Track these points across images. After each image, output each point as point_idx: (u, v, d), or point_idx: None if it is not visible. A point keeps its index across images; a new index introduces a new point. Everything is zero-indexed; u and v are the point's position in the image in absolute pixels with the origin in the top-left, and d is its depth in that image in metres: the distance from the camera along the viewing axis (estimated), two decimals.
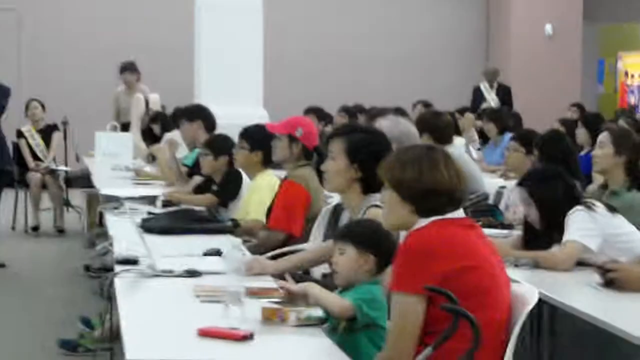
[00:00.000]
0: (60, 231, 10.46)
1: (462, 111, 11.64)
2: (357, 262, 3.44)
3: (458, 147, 6.71)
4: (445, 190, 3.15)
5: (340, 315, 3.34)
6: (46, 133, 10.87)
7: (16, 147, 10.66)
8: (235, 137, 6.24)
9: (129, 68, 11.59)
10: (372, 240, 3.45)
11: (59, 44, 15.20)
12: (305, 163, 5.50)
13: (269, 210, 5.53)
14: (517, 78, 15.18)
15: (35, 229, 10.45)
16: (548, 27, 15.68)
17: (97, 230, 9.58)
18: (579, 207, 4.44)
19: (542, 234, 4.53)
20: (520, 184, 4.72)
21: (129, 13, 15.40)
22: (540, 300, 3.28)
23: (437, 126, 6.85)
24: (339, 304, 3.34)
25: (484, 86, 13.84)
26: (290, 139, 5.48)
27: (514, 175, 6.70)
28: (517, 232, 5.05)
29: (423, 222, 3.15)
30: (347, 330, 3.37)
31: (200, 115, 7.40)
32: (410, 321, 3.03)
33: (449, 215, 3.15)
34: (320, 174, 5.41)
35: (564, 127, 9.00)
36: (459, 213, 3.20)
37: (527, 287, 3.29)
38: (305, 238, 5.37)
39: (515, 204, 6.01)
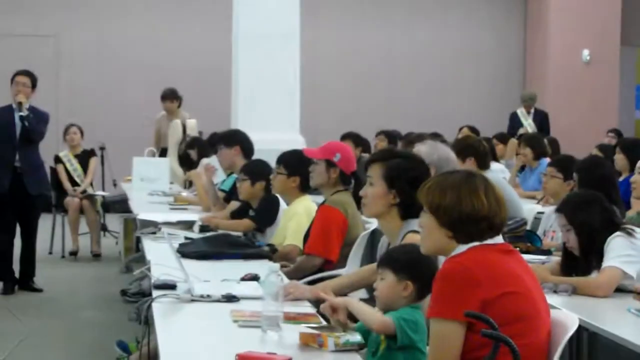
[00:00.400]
0: (97, 256, 10.51)
1: (500, 137, 11.61)
2: (396, 288, 3.43)
3: (496, 172, 6.68)
4: (484, 217, 3.13)
5: (380, 330, 3.33)
6: (83, 158, 10.95)
7: (54, 172, 10.74)
8: (272, 162, 6.26)
9: (169, 96, 11.66)
10: (411, 267, 3.44)
11: (97, 69, 15.34)
12: (342, 188, 5.50)
13: (306, 235, 5.53)
14: (554, 104, 15.12)
15: (74, 253, 10.51)
16: (585, 53, 15.61)
17: (134, 256, 9.63)
18: (618, 233, 4.41)
19: (581, 259, 4.50)
20: (559, 209, 4.69)
21: (167, 39, 15.51)
22: (579, 326, 3.25)
23: (480, 151, 6.85)
24: (380, 318, 3.33)
25: (521, 112, 13.79)
26: (328, 164, 5.49)
27: (552, 201, 6.65)
28: (555, 258, 5.02)
29: (462, 248, 3.13)
30: (386, 350, 3.35)
31: (239, 140, 7.43)
32: (449, 347, 3.01)
33: (488, 241, 3.13)
34: (358, 199, 5.42)
35: (602, 153, 8.93)
36: (498, 239, 3.17)
37: (567, 313, 3.26)
38: (342, 263, 5.37)
39: (553, 229, 5.97)
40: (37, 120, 8.54)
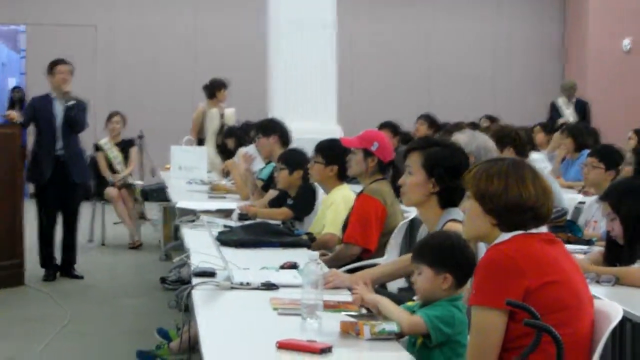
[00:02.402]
0: (137, 247, 10.54)
1: (543, 126, 11.51)
2: (434, 282, 3.40)
3: (536, 161, 6.64)
4: (530, 206, 3.10)
5: (410, 332, 3.31)
6: (124, 147, 11.01)
7: (93, 160, 10.80)
8: (310, 151, 6.26)
9: (225, 84, 11.53)
10: (448, 260, 3.40)
11: (134, 59, 15.43)
12: (381, 177, 5.49)
13: (345, 224, 5.53)
14: (594, 93, 14.99)
15: (138, 245, 10.50)
16: (626, 42, 15.46)
17: (173, 243, 9.68)
18: None
19: (626, 249, 4.45)
20: (603, 198, 4.64)
21: (204, 28, 15.57)
22: (623, 317, 3.21)
23: (518, 140, 6.80)
24: (408, 320, 3.31)
25: (562, 101, 13.69)
26: (366, 153, 5.48)
27: (593, 191, 6.60)
28: (598, 248, 4.97)
29: (505, 236, 3.10)
30: (422, 346, 3.34)
31: (276, 129, 7.44)
32: (491, 336, 2.98)
33: (532, 231, 3.11)
34: (396, 188, 5.41)
35: (638, 137, 8.87)
36: (542, 229, 3.14)
37: (610, 303, 3.22)
38: (381, 252, 5.36)
39: (595, 219, 5.92)
40: (78, 109, 8.60)
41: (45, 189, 8.59)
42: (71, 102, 8.51)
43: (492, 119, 11.29)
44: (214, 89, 11.48)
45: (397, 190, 5.40)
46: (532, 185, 3.13)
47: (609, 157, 6.31)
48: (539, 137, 10.97)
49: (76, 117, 8.52)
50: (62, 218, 8.79)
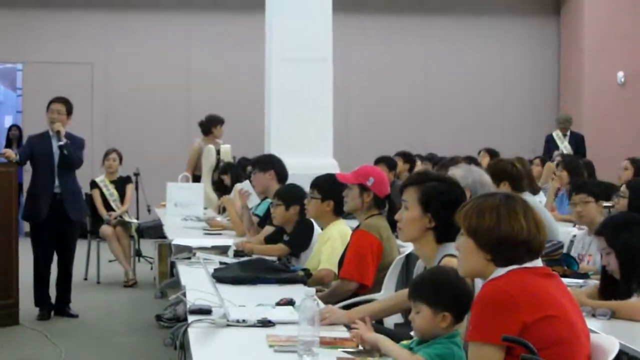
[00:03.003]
0: (132, 285, 10.48)
1: (541, 160, 11.53)
2: (433, 321, 3.38)
3: (532, 195, 6.64)
4: (523, 240, 3.10)
5: None
6: (120, 184, 11.01)
7: (89, 197, 10.79)
8: (306, 187, 6.26)
9: (221, 120, 11.55)
10: (446, 299, 3.37)
11: (131, 96, 15.46)
12: (377, 212, 5.49)
13: (341, 259, 5.52)
14: (590, 126, 15.03)
15: (132, 284, 10.45)
16: (620, 75, 15.53)
17: (168, 281, 9.65)
18: None
19: (622, 283, 4.44)
20: (598, 232, 4.64)
21: (199, 66, 15.62)
22: (619, 351, 3.20)
23: (514, 174, 6.81)
24: (410, 359, 3.29)
25: (557, 134, 13.72)
26: (362, 188, 5.48)
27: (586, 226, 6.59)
28: (593, 282, 4.97)
29: (500, 271, 3.10)
30: None
31: (273, 165, 7.44)
32: None
33: (527, 265, 3.10)
34: (392, 223, 5.40)
35: (634, 167, 8.90)
36: (537, 262, 3.14)
37: (607, 337, 3.21)
38: (377, 287, 5.34)
39: (589, 253, 5.92)
40: (75, 147, 8.62)
41: (41, 227, 8.57)
42: (62, 142, 8.49)
43: (491, 152, 11.31)
44: (210, 125, 11.50)
45: (393, 225, 5.42)
46: (524, 218, 3.13)
47: (596, 188, 6.35)
48: (536, 170, 11.00)
49: (69, 155, 8.52)
50: (58, 256, 8.76)
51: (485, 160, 10.60)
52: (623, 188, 6.41)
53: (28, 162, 8.71)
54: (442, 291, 3.39)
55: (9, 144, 15.56)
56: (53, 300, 8.74)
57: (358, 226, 5.52)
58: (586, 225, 6.28)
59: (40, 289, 8.62)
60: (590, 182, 6.67)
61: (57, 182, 8.57)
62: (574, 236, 6.71)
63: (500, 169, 6.85)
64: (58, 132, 8.53)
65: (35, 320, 8.49)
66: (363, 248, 5.36)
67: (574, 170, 9.57)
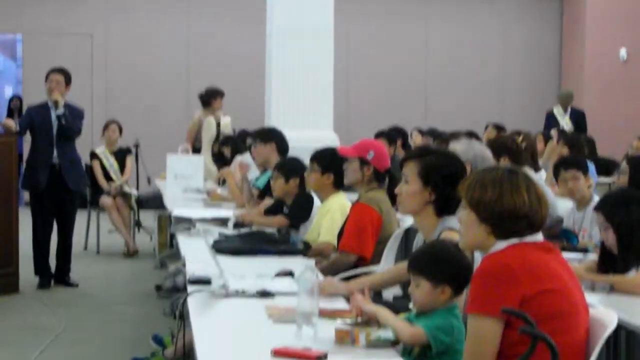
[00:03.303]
0: (133, 254, 10.51)
1: (544, 136, 11.49)
2: (433, 294, 3.39)
3: (533, 171, 6.64)
4: (525, 214, 3.11)
5: (411, 342, 3.30)
6: (120, 155, 11.00)
7: (89, 168, 10.79)
8: (306, 159, 6.26)
9: (220, 93, 11.54)
10: (446, 272, 3.38)
11: (131, 68, 15.43)
12: (376, 186, 5.49)
13: (340, 232, 5.53)
14: (591, 102, 15.01)
15: (134, 253, 10.48)
16: (622, 51, 15.49)
17: (168, 252, 9.67)
18: None
19: (620, 258, 4.46)
20: (596, 208, 4.65)
21: (201, 38, 15.59)
22: (617, 325, 3.21)
23: (514, 149, 6.81)
24: (409, 331, 3.30)
25: (558, 110, 13.70)
26: (362, 162, 5.48)
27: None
28: (593, 256, 4.98)
29: (501, 244, 3.11)
30: (420, 355, 3.33)
31: (274, 137, 7.42)
32: (487, 344, 2.98)
33: (528, 239, 3.11)
34: (392, 196, 5.41)
35: None
36: (538, 237, 3.15)
37: (606, 311, 3.23)
38: (376, 260, 5.35)
39: (584, 227, 5.92)
40: (73, 117, 8.62)
41: (41, 197, 8.59)
42: (60, 111, 8.48)
43: (498, 127, 11.28)
44: (209, 98, 11.49)
45: (393, 199, 5.43)
46: (526, 193, 3.13)
47: (583, 163, 6.38)
48: (539, 146, 10.97)
49: (67, 125, 8.51)
50: (58, 226, 8.78)
51: (492, 134, 10.57)
52: (624, 164, 6.41)
53: (28, 133, 8.71)
54: (442, 264, 3.40)
55: (10, 115, 15.55)
56: (53, 269, 8.76)
57: (358, 199, 5.52)
58: (577, 201, 6.26)
59: (40, 258, 8.66)
60: (579, 158, 6.65)
61: (55, 153, 8.57)
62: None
63: (500, 144, 6.86)
64: (56, 102, 8.52)
65: (35, 289, 8.52)
66: (363, 221, 5.37)
67: (574, 146, 9.55)
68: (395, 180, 5.62)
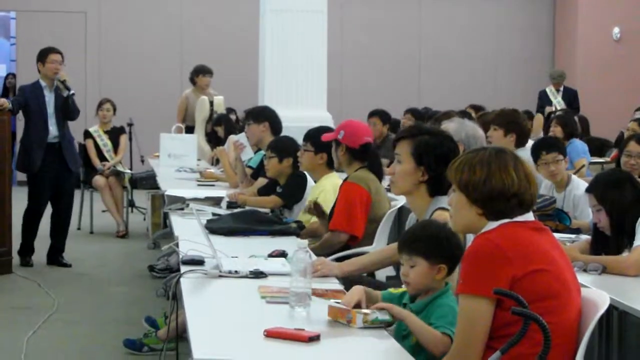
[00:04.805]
0: (123, 236, 10.49)
1: (528, 114, 11.48)
2: (430, 274, 3.40)
3: (528, 149, 6.62)
4: (514, 193, 3.11)
5: (435, 350, 3.25)
6: (114, 135, 10.97)
7: (82, 147, 10.76)
8: (299, 139, 6.25)
9: (207, 71, 11.58)
10: (444, 250, 3.39)
11: (124, 46, 15.37)
12: (360, 165, 5.48)
13: (331, 212, 5.53)
14: (584, 81, 15.00)
15: (124, 235, 10.45)
16: (615, 30, 15.47)
17: (161, 231, 9.67)
18: None
19: (612, 239, 4.47)
20: (588, 190, 4.66)
21: (194, 16, 15.53)
22: (609, 305, 3.22)
23: (524, 129, 6.80)
24: (434, 339, 3.25)
25: (550, 89, 13.70)
26: (336, 143, 5.50)
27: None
28: (585, 237, 4.99)
29: (492, 225, 3.11)
30: (418, 344, 3.32)
31: (267, 116, 7.41)
32: (478, 324, 2.99)
33: (519, 218, 3.12)
34: (376, 174, 5.42)
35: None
36: (529, 216, 3.15)
37: (598, 292, 3.23)
38: (369, 240, 5.36)
39: (567, 209, 5.93)
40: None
41: (39, 177, 8.52)
42: (71, 91, 8.46)
43: (477, 108, 11.25)
44: (193, 75, 11.55)
45: (379, 177, 5.45)
46: (514, 171, 3.14)
47: (561, 145, 6.38)
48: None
49: (73, 106, 8.52)
50: (55, 206, 8.76)
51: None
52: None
53: (20, 112, 8.65)
54: (439, 243, 3.41)
55: (5, 93, 15.52)
56: (42, 249, 8.72)
57: (345, 179, 5.53)
58: (557, 183, 6.22)
59: (28, 237, 8.61)
60: (557, 139, 6.63)
61: (54, 133, 8.52)
62: None
63: (513, 121, 6.84)
64: (64, 82, 8.48)
65: (28, 268, 8.51)
66: (352, 199, 5.37)
67: (567, 125, 9.54)
68: (377, 158, 5.64)
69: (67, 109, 8.50)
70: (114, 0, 15.44)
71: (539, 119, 10.99)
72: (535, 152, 6.22)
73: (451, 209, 3.27)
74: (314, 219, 5.79)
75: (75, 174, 8.97)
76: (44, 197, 8.64)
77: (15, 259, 8.50)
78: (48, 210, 8.80)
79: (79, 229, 10.69)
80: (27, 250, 8.65)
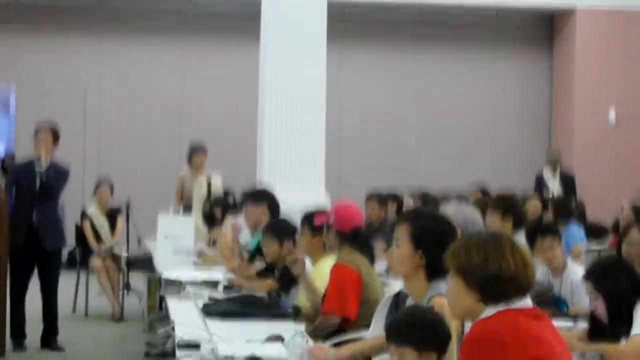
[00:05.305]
0: (119, 320, 10.40)
1: (524, 198, 11.50)
2: None
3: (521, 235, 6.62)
4: (511, 277, 3.11)
5: None
6: (111, 215, 10.95)
7: (79, 228, 10.72)
8: (298, 220, 6.24)
9: (201, 149, 11.65)
10: (432, 338, 3.37)
11: (124, 123, 15.44)
12: (350, 248, 5.47)
13: (323, 295, 5.50)
14: (581, 165, 15.06)
15: (119, 318, 10.36)
16: (612, 114, 15.59)
17: (157, 314, 9.58)
18: None
19: (609, 327, 4.44)
20: (585, 277, 4.64)
21: (193, 94, 15.65)
22: None
23: (521, 213, 6.81)
24: None
25: (547, 173, 13.74)
26: (327, 227, 5.51)
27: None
28: (583, 325, 4.96)
29: (489, 311, 3.10)
30: None
31: (266, 198, 7.41)
32: None
33: (516, 304, 3.10)
34: (367, 257, 5.41)
35: (635, 214, 8.91)
36: (527, 302, 3.14)
37: None
38: (362, 321, 5.31)
39: (563, 295, 5.89)
40: (56, 177, 8.48)
41: (18, 258, 8.40)
42: (41, 167, 8.34)
43: (484, 192, 11.29)
44: (189, 154, 11.65)
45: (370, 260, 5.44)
46: (511, 256, 3.14)
47: (556, 230, 6.37)
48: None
49: (47, 183, 8.36)
50: (40, 288, 8.62)
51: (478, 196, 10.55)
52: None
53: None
54: (426, 330, 3.39)
55: (5, 172, 15.47)
56: (36, 332, 8.61)
57: (336, 262, 5.51)
58: (553, 268, 6.20)
59: (14, 319, 8.47)
60: (552, 224, 6.65)
61: (34, 212, 8.43)
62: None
63: (512, 206, 6.85)
64: (40, 158, 8.39)
65: (22, 352, 8.41)
66: (342, 281, 5.35)
67: (564, 210, 9.56)
68: (368, 241, 5.63)
69: (42, 187, 8.38)
70: (114, 75, 15.55)
71: (533, 204, 10.98)
72: (530, 238, 6.21)
73: (449, 296, 3.25)
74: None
75: (57, 254, 8.68)
76: (22, 277, 8.48)
77: (9, 342, 8.39)
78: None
79: (74, 311, 10.59)
80: (18, 333, 8.53)
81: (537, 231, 6.27)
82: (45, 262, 8.53)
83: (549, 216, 9.62)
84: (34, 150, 8.49)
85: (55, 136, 8.55)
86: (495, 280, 3.10)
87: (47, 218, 8.52)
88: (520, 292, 3.12)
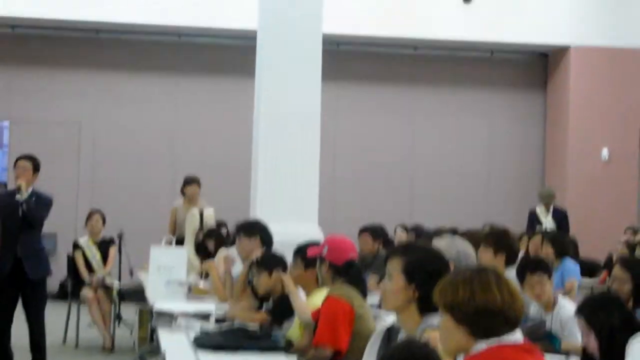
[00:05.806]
0: (110, 350, 10.35)
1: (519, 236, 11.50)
2: None
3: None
4: (499, 310, 3.11)
5: None
6: (103, 246, 10.93)
7: (71, 259, 10.69)
8: (289, 253, 6.24)
9: (195, 181, 11.68)
10: None
11: (117, 157, 15.46)
12: (343, 281, 5.46)
13: (314, 328, 5.49)
14: (573, 201, 15.09)
15: (110, 348, 10.31)
16: (604, 151, 15.65)
17: (148, 346, 9.54)
18: (638, 337, 4.33)
19: None
20: (577, 313, 4.63)
21: (186, 128, 15.68)
22: None
23: (514, 249, 6.80)
24: None
25: (540, 210, 13.77)
26: (320, 260, 5.50)
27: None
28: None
29: (481, 345, 3.09)
30: None
31: (259, 231, 7.41)
32: None
33: (507, 338, 3.10)
34: (360, 289, 5.40)
35: (628, 250, 8.90)
36: (517, 336, 3.14)
37: None
38: (354, 355, 5.30)
39: (554, 331, 5.88)
40: (38, 205, 8.45)
41: (2, 287, 8.36)
42: (21, 197, 8.31)
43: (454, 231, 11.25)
44: (183, 186, 11.67)
45: (362, 294, 5.42)
46: (497, 289, 3.15)
47: (546, 265, 6.35)
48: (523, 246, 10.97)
49: (28, 212, 8.33)
50: (27, 319, 8.57)
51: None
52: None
53: None
54: None
55: None
56: None
57: (327, 294, 5.50)
58: (544, 304, 6.19)
59: (2, 351, 8.42)
60: (542, 260, 6.64)
61: (18, 242, 8.39)
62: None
63: (505, 242, 6.84)
64: (19, 188, 8.37)
65: None
66: (333, 313, 5.34)
67: (558, 246, 9.54)
68: (359, 274, 5.62)
69: (23, 216, 8.35)
70: (107, 112, 15.59)
71: (534, 242, 10.96)
72: (521, 273, 6.20)
73: (440, 334, 3.25)
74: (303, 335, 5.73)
75: (41, 283, 8.62)
76: (6, 308, 8.43)
77: None
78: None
79: (64, 343, 10.54)
80: None
81: (527, 267, 6.26)
82: (29, 291, 8.48)
83: (546, 251, 9.61)
84: (15, 181, 8.47)
85: (36, 166, 8.54)
86: (483, 314, 3.11)
87: (31, 247, 8.48)
88: (510, 324, 3.13)
